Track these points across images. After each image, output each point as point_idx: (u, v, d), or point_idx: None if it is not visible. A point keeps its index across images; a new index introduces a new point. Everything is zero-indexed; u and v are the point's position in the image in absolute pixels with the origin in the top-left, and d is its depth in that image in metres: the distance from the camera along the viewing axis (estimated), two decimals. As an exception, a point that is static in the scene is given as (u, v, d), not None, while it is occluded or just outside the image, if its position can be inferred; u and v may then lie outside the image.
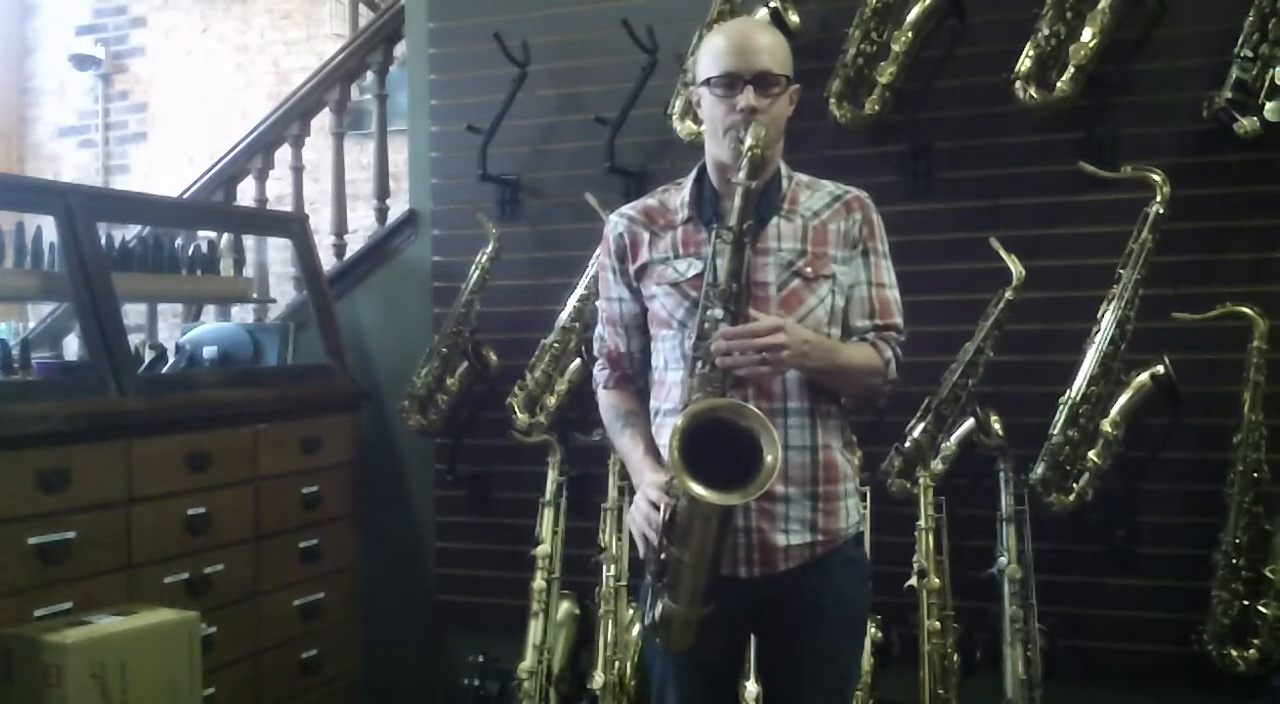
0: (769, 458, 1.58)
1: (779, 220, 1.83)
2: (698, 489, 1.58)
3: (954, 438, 2.86)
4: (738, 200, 1.67)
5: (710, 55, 1.80)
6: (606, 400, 1.99)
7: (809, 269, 1.80)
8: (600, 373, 2.01)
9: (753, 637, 2.00)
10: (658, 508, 1.70)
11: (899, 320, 1.89)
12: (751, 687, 2.40)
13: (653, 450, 1.86)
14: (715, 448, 1.60)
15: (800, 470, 1.80)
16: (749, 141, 1.69)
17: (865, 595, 1.96)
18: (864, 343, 1.85)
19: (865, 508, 2.80)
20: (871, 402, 1.92)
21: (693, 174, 1.90)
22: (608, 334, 1.98)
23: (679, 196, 1.89)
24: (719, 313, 1.67)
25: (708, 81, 1.79)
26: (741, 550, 1.78)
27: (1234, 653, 2.68)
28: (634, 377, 1.97)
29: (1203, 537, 2.74)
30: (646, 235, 1.88)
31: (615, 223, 1.93)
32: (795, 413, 1.79)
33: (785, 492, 1.78)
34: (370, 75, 4.09)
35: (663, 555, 1.70)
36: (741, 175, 1.67)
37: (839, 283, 1.83)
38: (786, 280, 1.79)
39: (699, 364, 1.69)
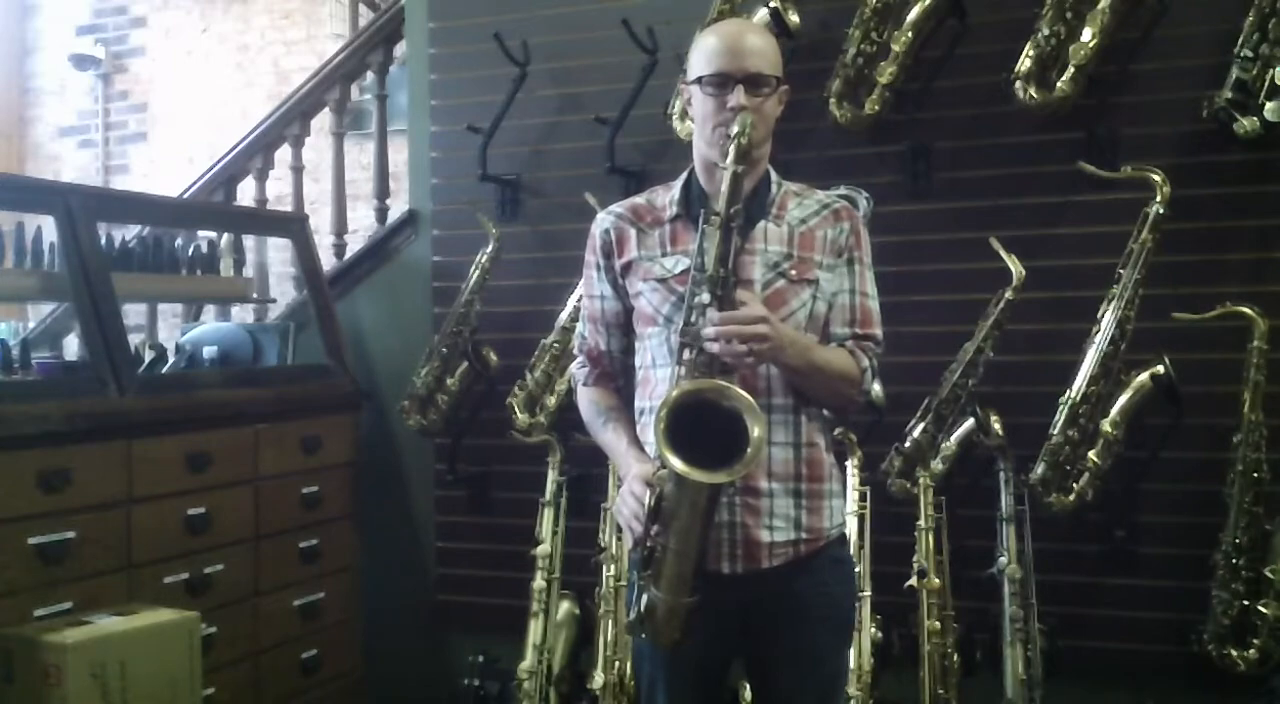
0: (755, 431, 1.58)
1: (766, 224, 1.84)
2: (684, 467, 1.57)
3: (954, 438, 2.87)
4: (725, 186, 1.67)
5: (703, 55, 1.81)
6: (587, 396, 2.00)
7: (794, 272, 1.81)
8: (580, 370, 2.02)
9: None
10: (642, 502, 1.70)
11: (878, 332, 1.90)
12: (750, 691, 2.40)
13: (636, 443, 1.86)
14: (701, 432, 1.59)
15: (783, 466, 1.80)
16: (736, 129, 1.70)
17: (852, 595, 2.00)
18: (842, 349, 1.85)
19: (866, 507, 2.82)
20: (844, 410, 1.93)
21: (683, 176, 1.91)
22: (589, 332, 1.99)
23: (668, 196, 1.90)
24: (706, 298, 1.67)
25: (699, 80, 1.81)
26: (725, 546, 1.78)
27: (1234, 653, 2.68)
28: (614, 375, 1.99)
29: (1203, 537, 2.74)
30: (634, 232, 1.89)
31: (602, 220, 1.94)
32: (779, 409, 1.80)
33: (768, 487, 1.78)
34: (370, 75, 4.09)
35: (648, 543, 1.70)
36: (729, 160, 1.68)
37: (822, 289, 1.83)
38: (772, 279, 1.80)
39: (686, 351, 1.69)
